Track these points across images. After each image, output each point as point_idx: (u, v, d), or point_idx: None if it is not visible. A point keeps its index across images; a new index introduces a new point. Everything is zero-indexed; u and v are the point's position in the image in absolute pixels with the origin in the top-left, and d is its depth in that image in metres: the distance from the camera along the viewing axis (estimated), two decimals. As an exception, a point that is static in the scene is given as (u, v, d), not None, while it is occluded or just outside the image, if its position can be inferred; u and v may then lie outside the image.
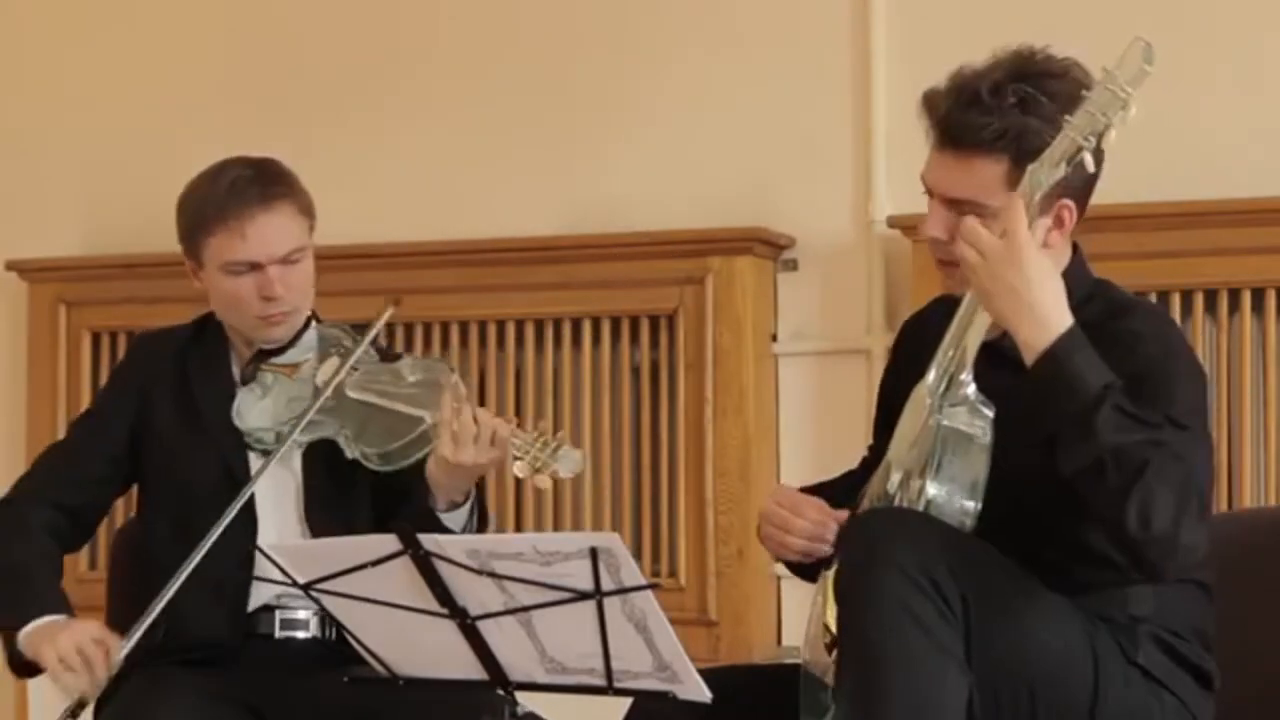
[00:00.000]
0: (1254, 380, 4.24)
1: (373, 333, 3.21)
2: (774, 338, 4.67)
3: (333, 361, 3.21)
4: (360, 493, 3.22)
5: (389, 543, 2.49)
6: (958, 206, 2.68)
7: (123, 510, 4.82)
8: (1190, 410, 2.59)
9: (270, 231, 3.19)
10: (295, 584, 2.60)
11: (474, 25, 4.93)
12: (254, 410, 3.22)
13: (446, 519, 3.05)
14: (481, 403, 3.31)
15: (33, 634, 3.09)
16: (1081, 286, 2.66)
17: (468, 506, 3.09)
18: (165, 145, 5.15)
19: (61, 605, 3.14)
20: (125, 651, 3.04)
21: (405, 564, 2.48)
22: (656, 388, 4.66)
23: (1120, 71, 2.49)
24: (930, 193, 2.72)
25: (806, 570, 2.86)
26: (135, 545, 3.38)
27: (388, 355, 3.30)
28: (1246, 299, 4.23)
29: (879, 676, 2.46)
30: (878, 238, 4.53)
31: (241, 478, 3.17)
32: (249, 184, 3.22)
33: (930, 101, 2.71)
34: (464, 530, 3.08)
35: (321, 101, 5.03)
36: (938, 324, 2.76)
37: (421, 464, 3.09)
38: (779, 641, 4.59)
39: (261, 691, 3.12)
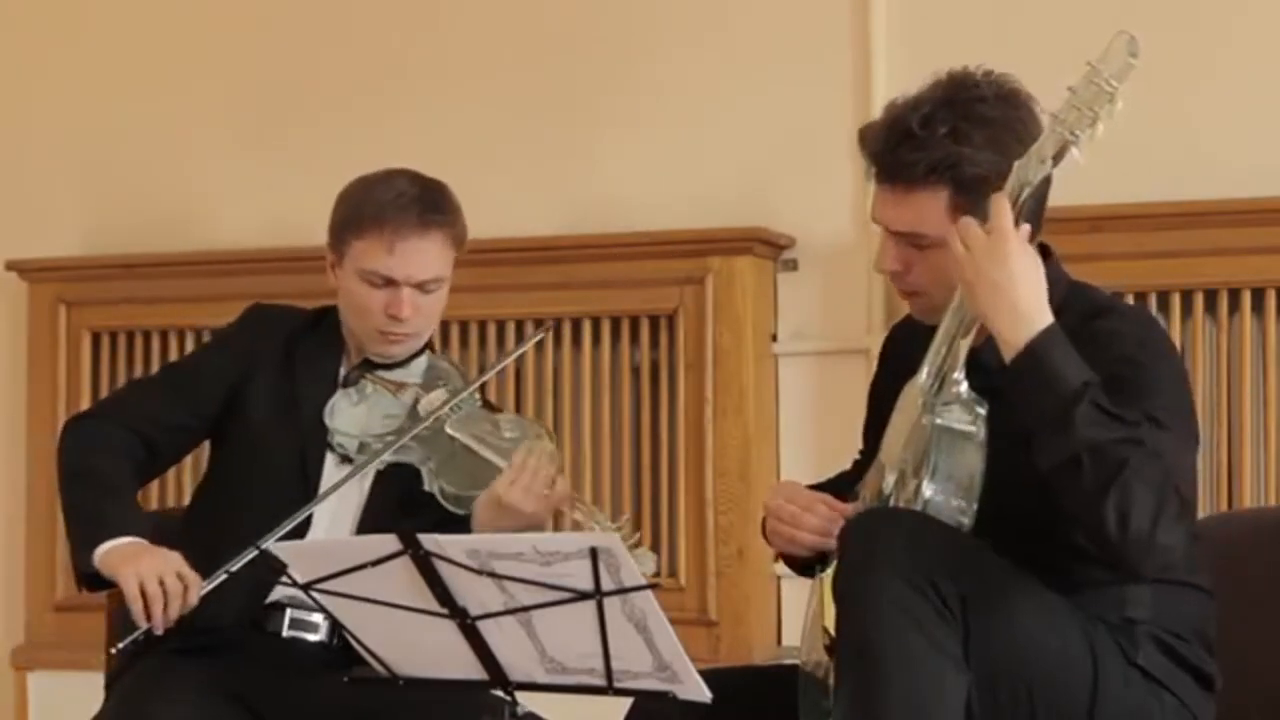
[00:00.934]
0: (1254, 380, 4.24)
1: (497, 368, 3.22)
2: (774, 338, 4.67)
3: (439, 393, 3.23)
4: (419, 527, 3.21)
5: (389, 543, 2.49)
6: (907, 239, 2.69)
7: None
8: (1171, 409, 2.58)
9: (417, 255, 3.18)
10: (295, 583, 2.60)
11: (474, 26, 4.94)
12: (346, 414, 3.23)
13: None
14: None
15: (112, 551, 3.03)
16: (1058, 288, 2.65)
17: None
18: (165, 146, 5.16)
19: (143, 528, 3.09)
20: (204, 592, 3.00)
21: (405, 564, 2.48)
22: (656, 388, 4.66)
23: (1105, 66, 2.48)
24: (880, 227, 2.74)
25: (805, 565, 2.86)
26: (194, 500, 3.38)
27: (490, 406, 3.33)
28: (1246, 299, 4.23)
29: (878, 677, 2.46)
30: (878, 238, 4.52)
31: (314, 473, 3.19)
32: (413, 201, 3.20)
33: (864, 138, 2.73)
34: None
35: (322, 102, 5.03)
36: (925, 327, 2.77)
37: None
38: (779, 641, 4.59)
39: (261, 689, 3.12)
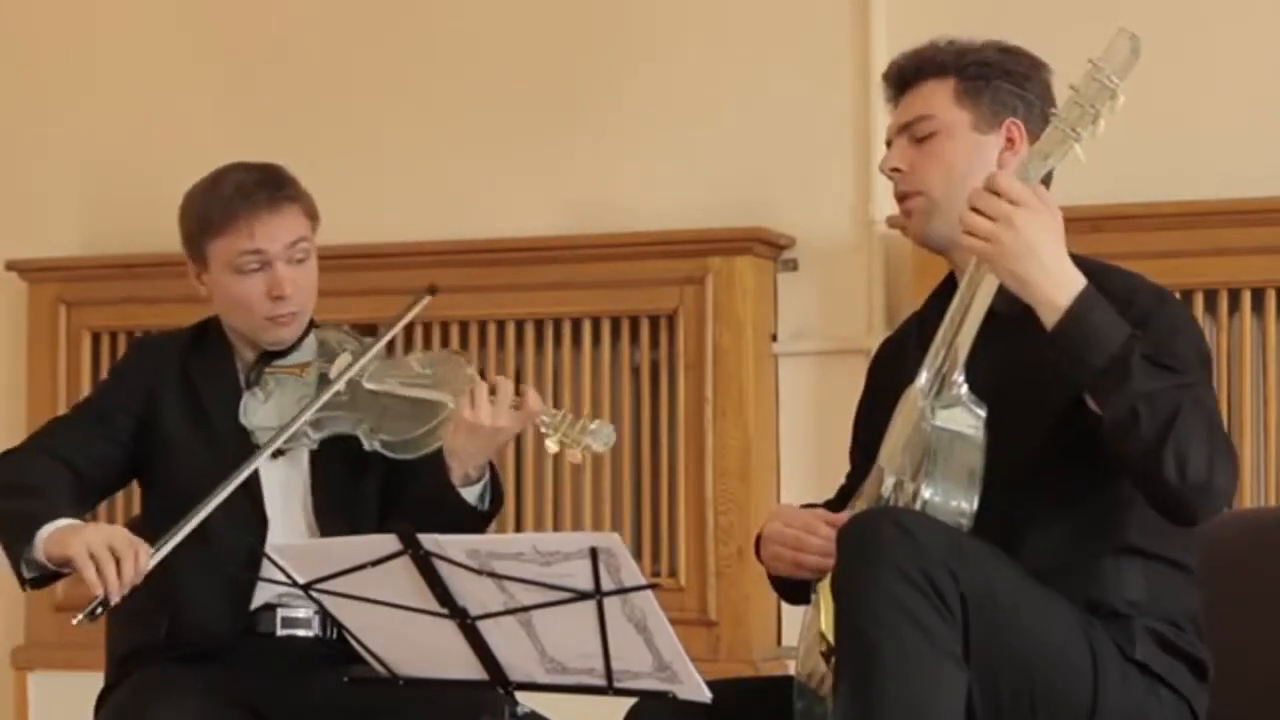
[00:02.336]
0: (1254, 380, 4.24)
1: (407, 318, 3.22)
2: (774, 338, 4.67)
3: (344, 358, 3.22)
4: (368, 492, 3.23)
5: (389, 543, 2.48)
6: (910, 132, 2.79)
7: (123, 511, 4.84)
8: (1197, 356, 2.65)
9: (278, 228, 3.21)
10: (295, 584, 2.60)
11: (474, 26, 4.93)
12: (260, 410, 3.23)
13: (463, 493, 3.07)
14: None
15: (52, 535, 3.00)
16: None
17: (483, 483, 3.10)
18: (165, 146, 5.16)
19: (78, 514, 3.07)
20: (154, 561, 2.98)
21: (405, 564, 2.48)
22: (656, 388, 4.66)
23: (1107, 63, 2.50)
24: (890, 141, 2.83)
25: (800, 591, 2.85)
26: (139, 525, 3.33)
27: (393, 355, 3.30)
28: (1246, 299, 4.23)
29: (876, 675, 2.46)
30: (878, 238, 4.53)
31: (250, 479, 3.16)
32: (255, 187, 3.23)
33: (885, 73, 2.88)
34: (479, 503, 3.09)
35: (322, 102, 5.03)
36: (915, 340, 2.80)
37: (438, 454, 3.09)
38: (779, 641, 4.59)
39: (261, 691, 3.12)
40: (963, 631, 2.50)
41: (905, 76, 2.82)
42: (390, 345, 3.33)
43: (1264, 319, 4.22)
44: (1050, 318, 2.54)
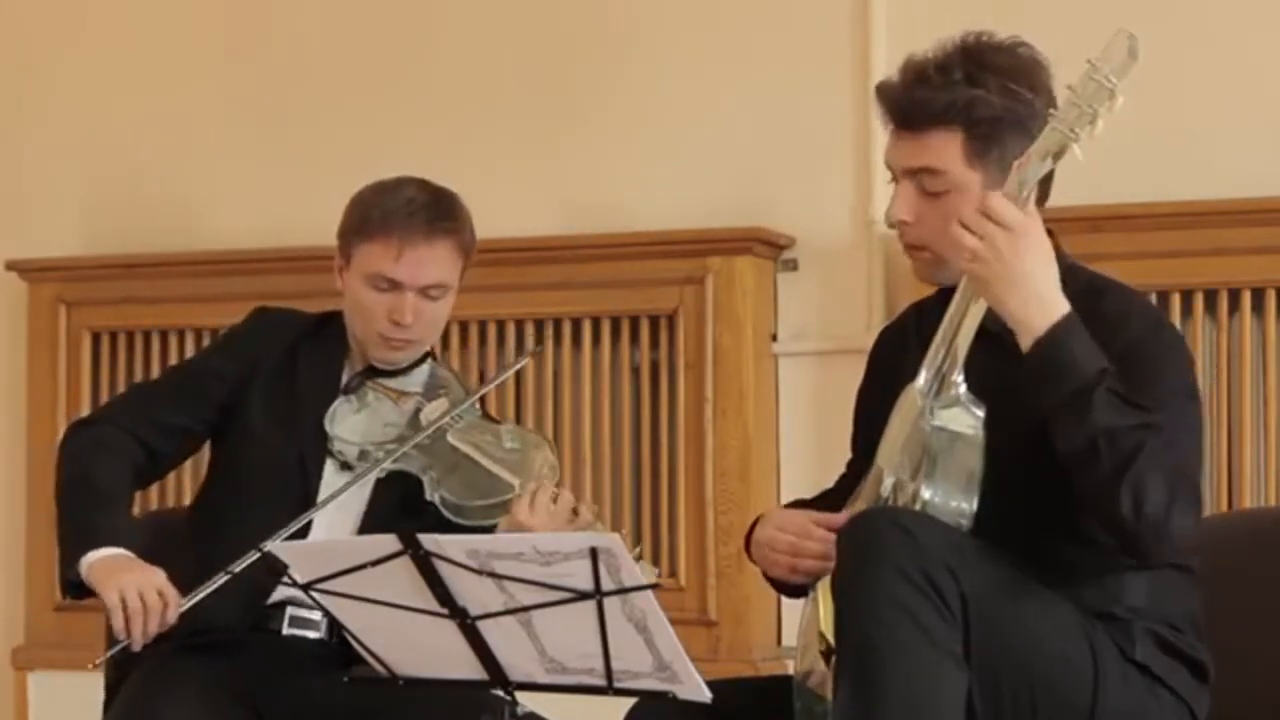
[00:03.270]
0: (1254, 380, 4.24)
1: (497, 380, 3.23)
2: (774, 338, 4.67)
3: (441, 402, 3.23)
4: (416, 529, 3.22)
5: (389, 543, 2.48)
6: (919, 181, 2.71)
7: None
8: (1179, 391, 2.62)
9: (423, 262, 3.20)
10: (295, 583, 2.60)
11: (474, 26, 4.94)
12: (347, 421, 3.23)
13: None
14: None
15: (96, 565, 3.04)
16: (1060, 267, 2.66)
17: None
18: (165, 146, 5.17)
19: (131, 539, 3.10)
20: (182, 610, 3.01)
21: (405, 564, 2.48)
22: (656, 388, 4.66)
23: (1105, 63, 2.50)
24: (894, 176, 2.76)
25: (797, 586, 2.85)
26: (195, 502, 3.39)
27: (490, 417, 3.33)
28: (1246, 299, 4.23)
29: (876, 673, 2.46)
30: (878, 238, 4.53)
31: (313, 478, 3.19)
32: (422, 208, 3.21)
33: (883, 89, 2.77)
34: None
35: (321, 102, 5.03)
36: (914, 330, 2.80)
37: (490, 529, 3.11)
38: (779, 641, 4.59)
39: (262, 688, 3.12)
40: (963, 632, 2.50)
41: (910, 118, 2.72)
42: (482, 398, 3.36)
43: (1264, 319, 4.22)
44: (1025, 341, 2.54)
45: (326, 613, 2.71)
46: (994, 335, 2.63)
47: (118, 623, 2.99)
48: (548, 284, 4.69)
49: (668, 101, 4.75)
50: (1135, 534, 2.50)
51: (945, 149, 2.69)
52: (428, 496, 3.16)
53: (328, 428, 3.22)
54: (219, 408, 3.27)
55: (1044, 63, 2.76)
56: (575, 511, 3.08)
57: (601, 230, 4.71)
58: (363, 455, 3.21)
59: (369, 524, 3.19)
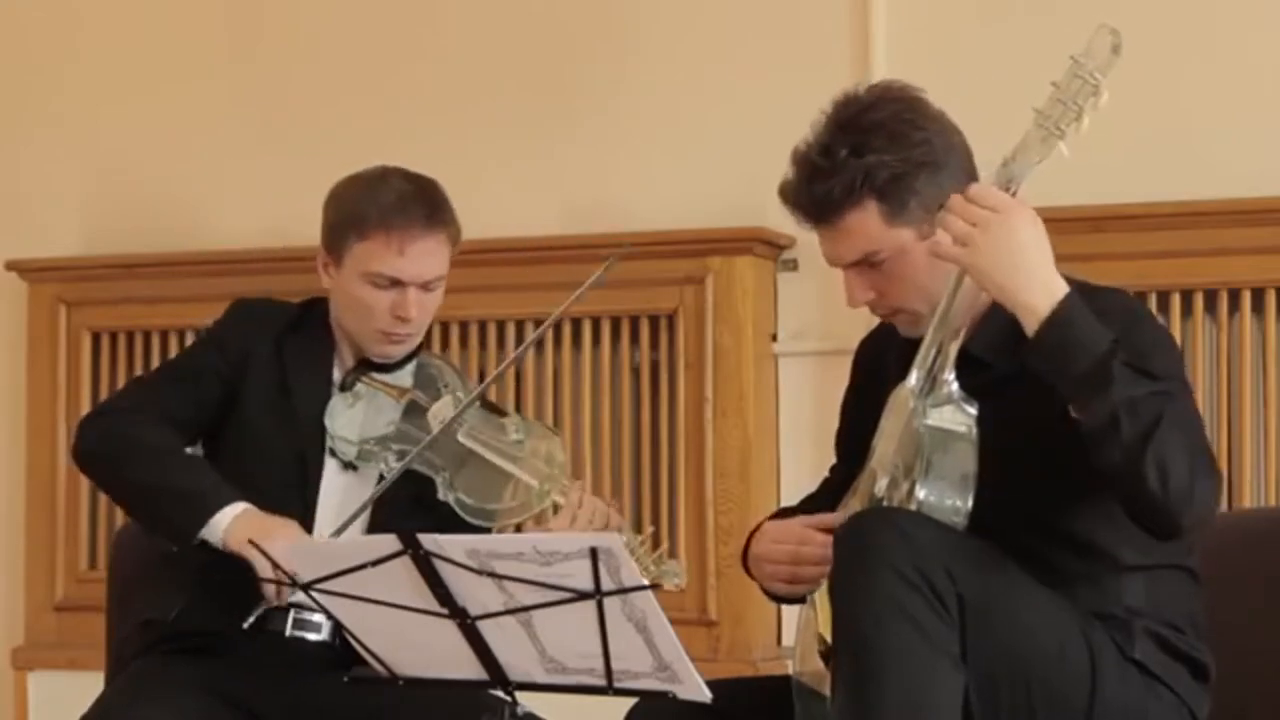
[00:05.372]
0: (1254, 380, 4.24)
1: (501, 370, 3.21)
2: (774, 338, 4.67)
3: (447, 399, 3.21)
4: (425, 528, 3.21)
5: (389, 543, 2.48)
6: (863, 264, 2.71)
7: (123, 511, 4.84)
8: (1175, 369, 2.63)
9: (426, 255, 3.17)
10: (295, 584, 2.60)
11: (473, 26, 4.94)
12: (344, 417, 3.22)
13: None
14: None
15: (232, 524, 3.02)
16: None
17: None
18: (165, 146, 5.17)
19: (233, 492, 3.08)
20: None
21: (405, 564, 2.48)
22: (656, 388, 4.66)
23: (1089, 59, 2.50)
24: (837, 267, 2.75)
25: (800, 597, 2.86)
26: None
27: (491, 406, 3.30)
28: (1246, 299, 4.23)
29: (873, 674, 2.46)
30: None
31: (314, 475, 3.18)
32: (414, 201, 3.18)
33: (784, 194, 2.76)
34: None
35: (321, 102, 5.03)
36: (896, 340, 2.79)
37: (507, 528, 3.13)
38: (779, 641, 4.59)
39: (261, 689, 3.12)
40: (960, 632, 2.50)
41: (821, 214, 2.71)
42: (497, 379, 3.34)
43: (1264, 319, 4.22)
44: (1031, 324, 2.52)
45: (331, 615, 2.71)
46: (984, 339, 2.63)
47: (270, 591, 2.97)
48: (548, 284, 4.68)
49: (668, 102, 4.75)
50: (1165, 507, 2.48)
51: (865, 225, 2.68)
52: (441, 496, 3.15)
53: (326, 424, 3.21)
54: (217, 404, 3.24)
55: (918, 94, 2.73)
56: (606, 523, 3.09)
57: (601, 230, 4.70)
58: (361, 452, 3.20)
59: (378, 522, 3.16)
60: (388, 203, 3.17)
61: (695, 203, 4.67)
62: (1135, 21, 2.56)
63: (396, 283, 3.17)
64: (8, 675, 5.10)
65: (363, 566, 2.52)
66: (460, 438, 3.18)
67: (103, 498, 4.97)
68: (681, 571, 3.07)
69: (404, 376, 3.27)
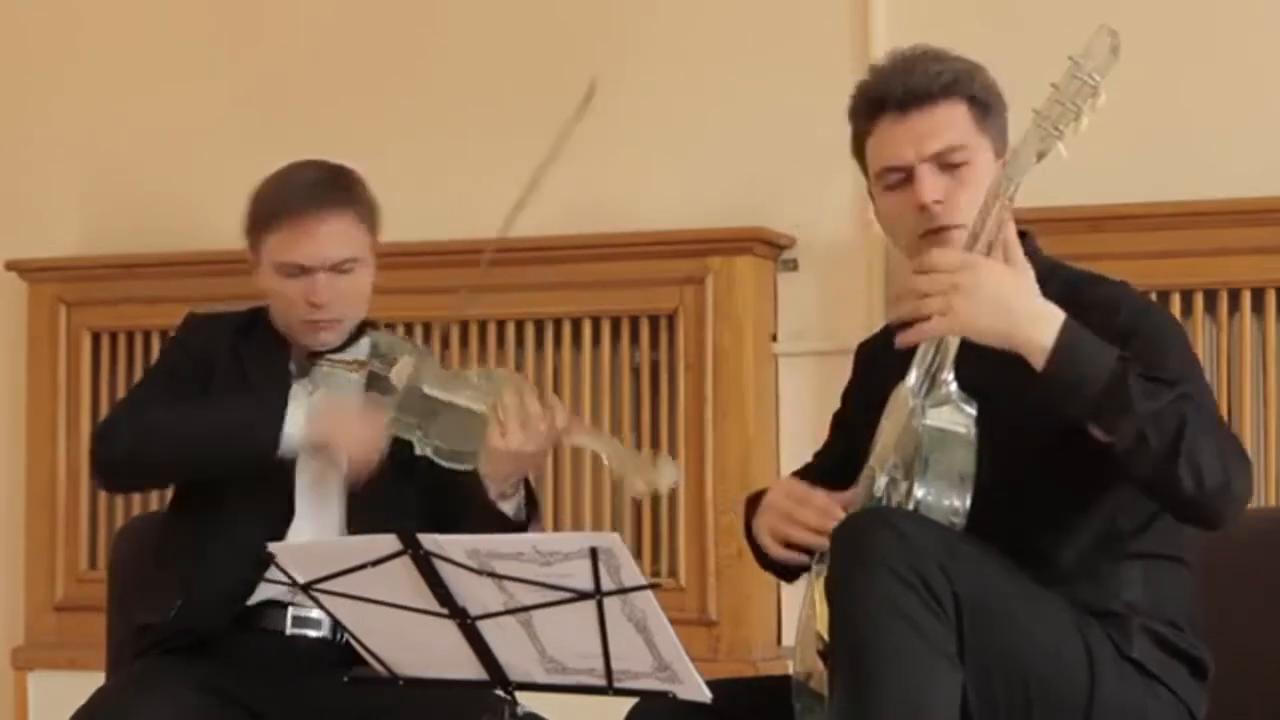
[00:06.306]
0: (1254, 380, 4.24)
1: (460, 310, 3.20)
2: (774, 338, 4.67)
3: (406, 361, 3.21)
4: (407, 496, 3.22)
5: (389, 543, 2.48)
6: (941, 158, 2.71)
7: (123, 511, 4.84)
8: (1190, 361, 2.66)
9: (328, 237, 3.20)
10: (295, 584, 2.60)
11: (473, 26, 4.94)
12: (308, 401, 3.22)
13: (503, 507, 3.08)
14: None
15: (306, 425, 3.12)
16: (1037, 266, 2.67)
17: (519, 496, 3.11)
18: (165, 146, 5.17)
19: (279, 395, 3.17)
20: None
21: (405, 564, 2.48)
22: (656, 388, 4.66)
23: (1087, 60, 2.50)
24: (902, 170, 2.72)
25: (790, 569, 2.85)
26: (173, 504, 3.38)
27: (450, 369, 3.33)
28: (1246, 299, 4.23)
29: (871, 674, 2.46)
30: (878, 238, 4.52)
31: (291, 466, 3.19)
32: (314, 187, 3.22)
33: (879, 73, 2.78)
34: (516, 515, 3.10)
35: (321, 102, 5.03)
36: (892, 346, 2.78)
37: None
38: (779, 641, 4.59)
39: (260, 688, 3.12)
40: (957, 631, 2.50)
41: (919, 95, 2.72)
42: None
43: (1264, 319, 4.22)
44: (1038, 359, 2.52)
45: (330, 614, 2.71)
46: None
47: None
48: (548, 284, 4.69)
49: (668, 102, 4.75)
50: (1205, 507, 2.52)
51: (956, 119, 2.72)
52: (418, 453, 3.13)
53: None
54: (197, 397, 3.27)
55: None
56: (552, 421, 3.03)
57: (601, 230, 4.71)
58: None
59: (355, 505, 3.20)
60: (287, 192, 3.23)
61: (695, 203, 4.67)
62: (1135, 22, 2.57)
63: (304, 269, 3.19)
64: (8, 675, 5.10)
65: (363, 567, 2.52)
66: (426, 390, 3.17)
67: (103, 498, 4.97)
68: (676, 468, 3.03)
69: (359, 352, 3.28)
